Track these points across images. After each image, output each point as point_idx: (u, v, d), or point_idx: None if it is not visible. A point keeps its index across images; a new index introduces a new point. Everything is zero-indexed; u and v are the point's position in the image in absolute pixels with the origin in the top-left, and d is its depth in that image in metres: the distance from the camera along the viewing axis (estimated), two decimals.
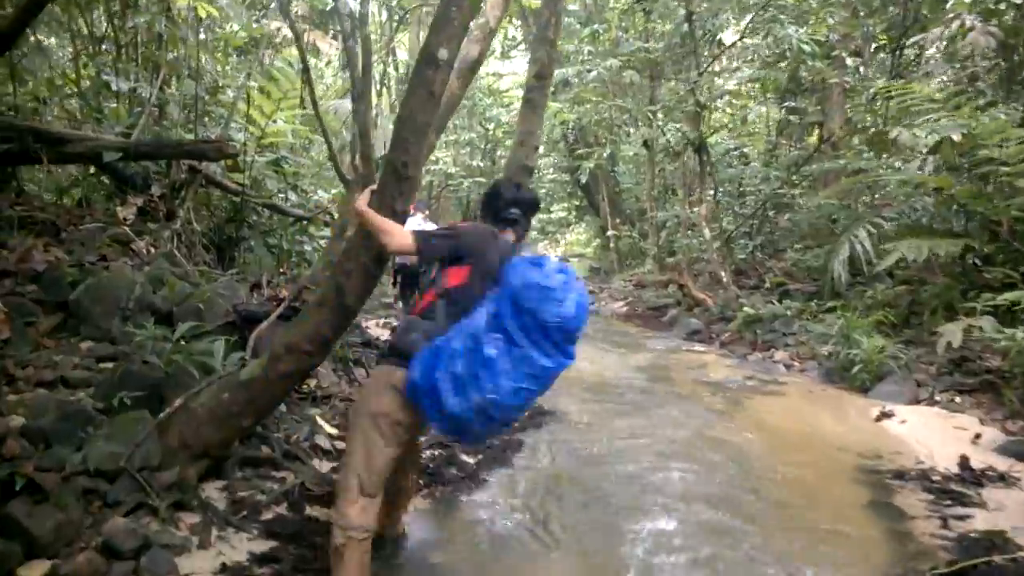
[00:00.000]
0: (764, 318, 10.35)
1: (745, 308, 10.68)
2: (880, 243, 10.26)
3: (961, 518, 4.16)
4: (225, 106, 8.33)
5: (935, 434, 5.85)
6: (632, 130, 21.52)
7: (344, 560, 2.78)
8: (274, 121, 7.30)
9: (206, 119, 8.04)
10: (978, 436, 5.66)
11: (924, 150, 10.25)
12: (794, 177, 14.17)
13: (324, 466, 4.37)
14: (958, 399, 7.04)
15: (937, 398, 7.09)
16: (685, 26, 12.71)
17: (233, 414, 3.41)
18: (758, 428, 6.09)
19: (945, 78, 11.42)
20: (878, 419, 6.47)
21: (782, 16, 11.62)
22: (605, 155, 19.29)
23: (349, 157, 16.00)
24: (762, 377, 8.29)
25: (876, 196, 11.79)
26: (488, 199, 3.17)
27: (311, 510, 3.74)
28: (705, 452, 5.28)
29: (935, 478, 4.81)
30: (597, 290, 17.79)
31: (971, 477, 4.71)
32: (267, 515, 3.62)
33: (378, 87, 17.70)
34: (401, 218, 3.10)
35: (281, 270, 7.85)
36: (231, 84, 9.00)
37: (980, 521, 4.11)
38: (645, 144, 17.17)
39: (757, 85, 14.98)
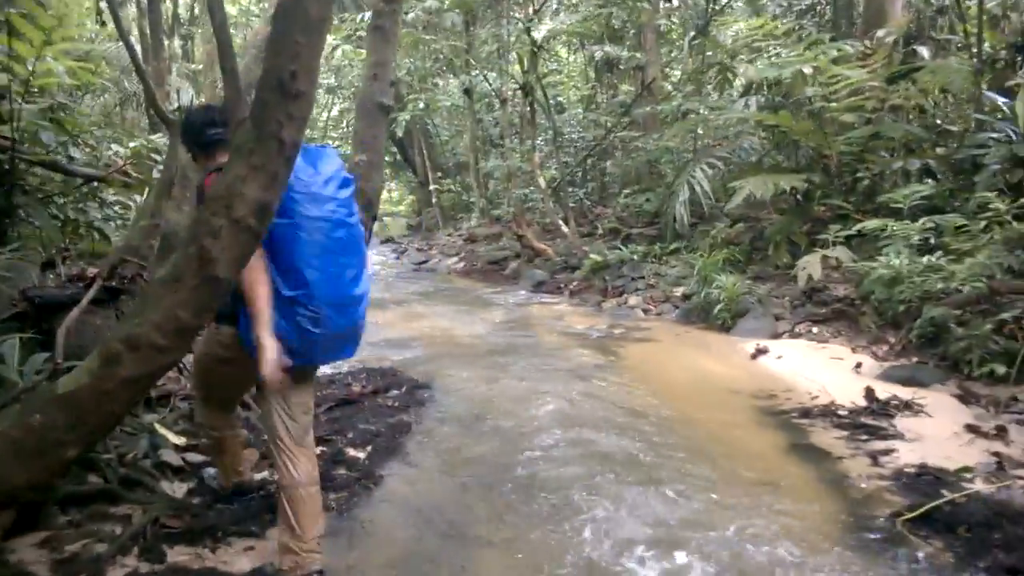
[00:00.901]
0: (611, 264, 10.22)
1: (591, 255, 10.49)
2: (718, 183, 10.43)
3: (885, 453, 4.03)
4: None
5: (816, 367, 5.84)
6: (450, 79, 20.86)
7: (295, 510, 2.68)
8: (44, 59, 5.88)
9: None
10: (859, 365, 5.70)
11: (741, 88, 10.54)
12: (619, 122, 14.16)
13: (179, 488, 3.46)
14: (815, 329, 7.17)
15: (798, 330, 7.20)
16: None
17: (50, 443, 2.46)
18: (644, 379, 5.80)
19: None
20: (754, 356, 6.40)
21: None
22: (421, 106, 18.49)
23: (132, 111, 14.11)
24: (624, 324, 8.09)
25: (704, 139, 11.98)
26: (185, 130, 2.96)
27: (176, 554, 2.85)
28: (604, 411, 4.87)
29: (841, 413, 4.71)
30: (425, 247, 17.10)
31: (879, 408, 4.63)
32: (115, 573, 2.70)
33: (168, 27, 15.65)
34: (292, 152, 2.30)
35: (65, 244, 6.49)
36: None
37: (906, 454, 4.00)
38: (466, 92, 16.56)
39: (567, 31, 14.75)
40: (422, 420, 4.67)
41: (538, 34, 11.75)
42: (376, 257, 16.12)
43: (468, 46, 17.03)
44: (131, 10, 13.35)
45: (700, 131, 11.38)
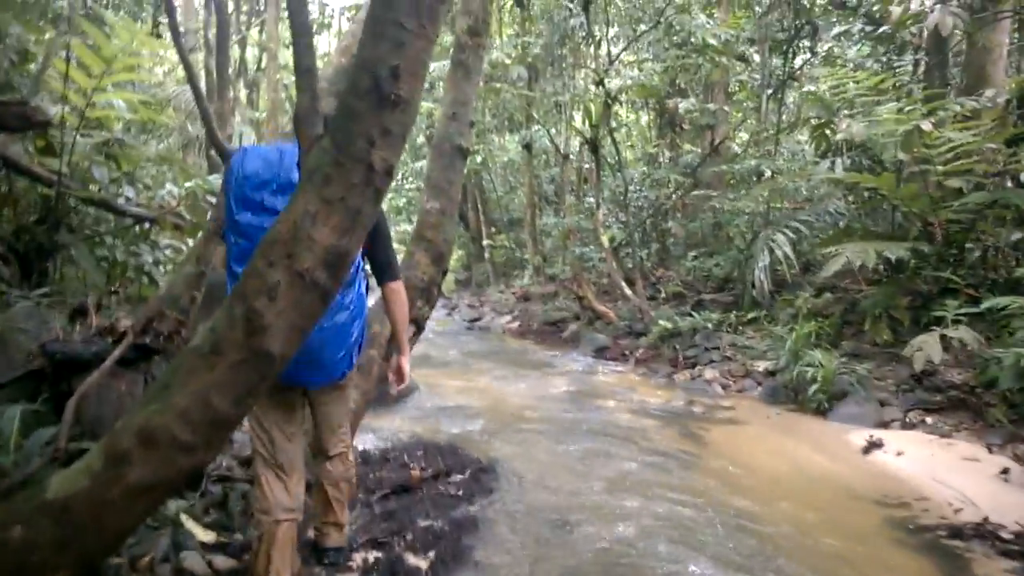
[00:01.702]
0: (683, 332, 9.42)
1: (660, 321, 9.71)
2: (799, 249, 9.64)
3: None
4: (30, 75, 6.37)
5: (947, 469, 4.95)
6: (507, 134, 20.53)
7: (263, 544, 2.58)
8: (104, 89, 5.45)
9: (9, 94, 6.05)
10: (1006, 471, 4.80)
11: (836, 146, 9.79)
12: (686, 182, 13.50)
13: None
14: (929, 419, 6.28)
15: (909, 419, 6.32)
16: (579, 16, 11.67)
17: (32, 567, 1.80)
18: (740, 473, 4.99)
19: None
20: (867, 450, 5.54)
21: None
22: (479, 160, 18.14)
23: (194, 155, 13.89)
24: (704, 401, 7.27)
25: (782, 201, 11.22)
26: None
27: None
28: (700, 518, 4.08)
29: (1004, 536, 3.84)
30: (477, 304, 16.48)
31: None
32: None
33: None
34: (384, 182, 1.65)
35: (113, 288, 5.95)
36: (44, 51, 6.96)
37: None
38: (526, 147, 16.12)
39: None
40: (490, 515, 3.92)
41: (612, 84, 11.21)
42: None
43: (529, 101, 16.69)
44: (199, 52, 13.22)
45: (779, 192, 10.62)
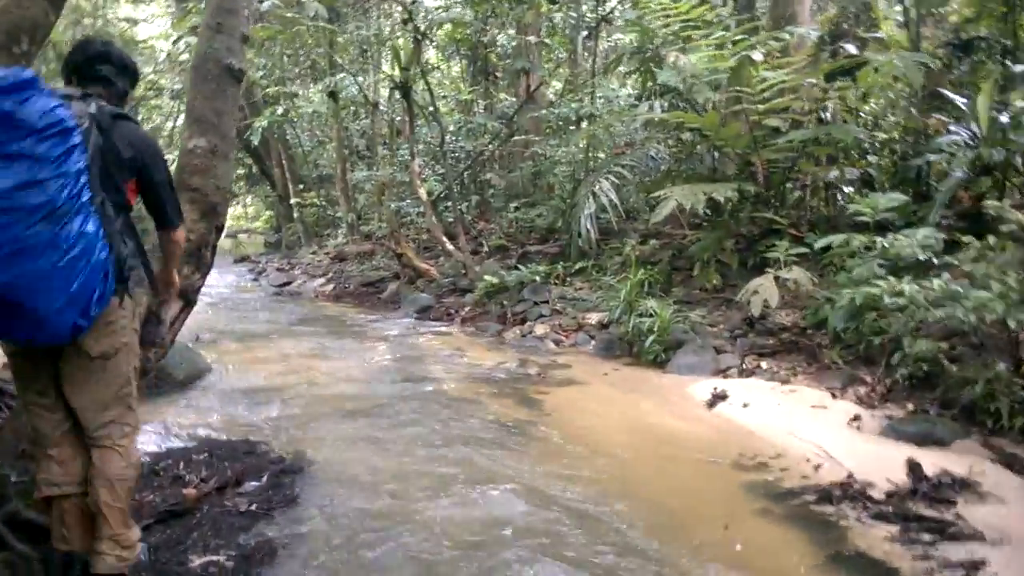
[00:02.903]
0: (509, 287, 8.84)
1: (486, 277, 9.08)
2: (624, 195, 9.32)
3: (974, 567, 2.83)
4: None
5: (798, 420, 4.67)
6: (311, 84, 18.95)
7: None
8: None
9: None
10: (856, 418, 4.57)
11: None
12: (503, 130, 12.88)
13: None
14: (764, 364, 6.10)
15: (746, 366, 6.09)
16: None
17: None
18: (584, 443, 4.45)
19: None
20: (712, 403, 5.20)
21: None
22: (279, 112, 16.56)
23: None
24: (537, 360, 6.71)
25: (604, 147, 10.87)
26: (72, 53, 2.51)
27: None
28: (544, 505, 3.48)
29: (875, 495, 3.51)
30: (287, 267, 15.13)
31: (930, 490, 3.45)
32: None
33: None
34: None
35: None
36: None
37: (1004, 568, 2.82)
38: (331, 95, 14.80)
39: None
40: (291, 537, 3.06)
41: (421, 21, 10.27)
42: (228, 278, 14.02)
43: (332, 44, 15.33)
44: None
45: (602, 137, 10.23)
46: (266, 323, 9.01)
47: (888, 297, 4.61)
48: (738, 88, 7.25)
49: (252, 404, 5.16)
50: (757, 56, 6.58)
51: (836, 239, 5.62)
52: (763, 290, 5.86)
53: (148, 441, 4.12)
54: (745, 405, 5.03)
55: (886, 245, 5.03)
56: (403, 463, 3.97)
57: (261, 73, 17.47)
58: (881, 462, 3.86)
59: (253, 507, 3.28)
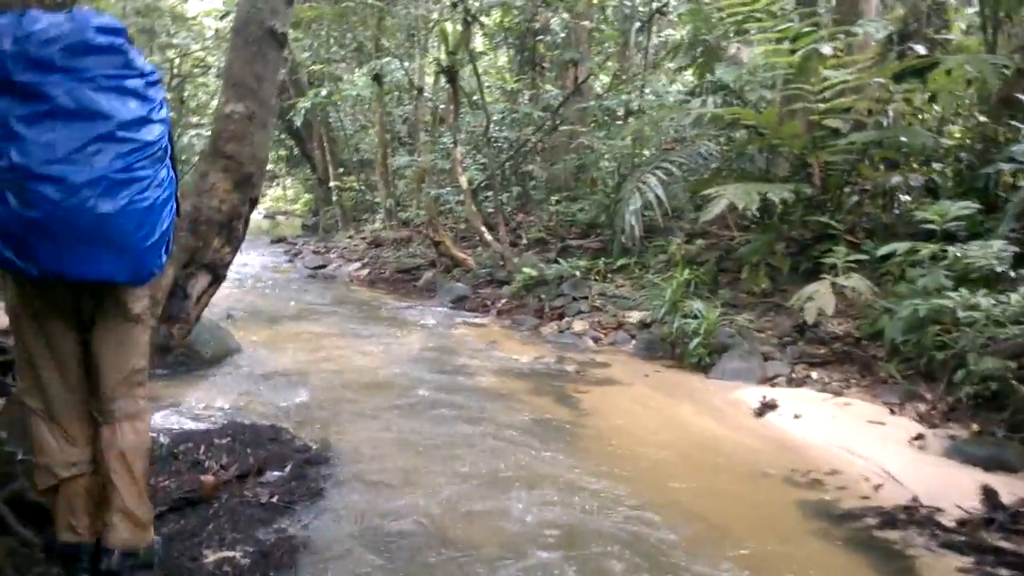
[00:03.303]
0: (549, 280, 8.61)
1: (524, 269, 8.87)
2: (674, 192, 9.03)
3: None
4: None
5: (854, 435, 4.39)
6: (355, 67, 18.87)
7: (54, 505, 2.22)
8: None
9: None
10: (919, 437, 4.28)
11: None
12: (548, 122, 12.62)
13: None
14: (815, 374, 5.81)
15: (795, 374, 5.81)
16: None
17: None
18: (626, 448, 4.23)
19: None
20: (760, 412, 4.93)
21: None
22: (323, 93, 16.48)
23: None
24: (575, 357, 6.49)
25: (652, 142, 10.58)
26: None
27: None
28: (593, 520, 3.26)
29: (945, 523, 3.23)
30: (323, 250, 15.06)
31: (1007, 520, 3.17)
32: None
33: None
34: None
35: None
36: None
37: None
38: (375, 78, 14.67)
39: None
40: (315, 535, 2.88)
41: (473, 2, 10.05)
42: (264, 259, 13.99)
43: (379, 27, 15.21)
44: None
45: (650, 132, 9.95)
46: (299, 305, 8.89)
47: (962, 311, 4.30)
48: (799, 86, 6.95)
49: (280, 388, 5.00)
50: (826, 50, 6.25)
51: (900, 247, 5.30)
52: (819, 296, 5.56)
53: (168, 421, 3.98)
54: (796, 416, 4.76)
55: (958, 255, 4.71)
56: (435, 460, 3.77)
57: (307, 54, 17.45)
58: (947, 486, 3.59)
59: (275, 499, 3.10)
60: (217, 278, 2.97)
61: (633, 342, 7.05)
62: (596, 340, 7.23)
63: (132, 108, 2.03)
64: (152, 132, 2.07)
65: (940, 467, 3.86)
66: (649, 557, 2.87)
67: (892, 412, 4.75)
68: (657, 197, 8.27)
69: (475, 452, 3.91)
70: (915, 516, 3.28)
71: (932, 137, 6.92)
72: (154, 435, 3.64)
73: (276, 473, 3.33)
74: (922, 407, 4.83)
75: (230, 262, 3.03)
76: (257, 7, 3.25)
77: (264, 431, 3.85)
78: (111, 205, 1.97)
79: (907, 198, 7.49)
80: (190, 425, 3.92)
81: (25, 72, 1.95)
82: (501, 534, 2.97)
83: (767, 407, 4.95)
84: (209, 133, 3.48)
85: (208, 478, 3.05)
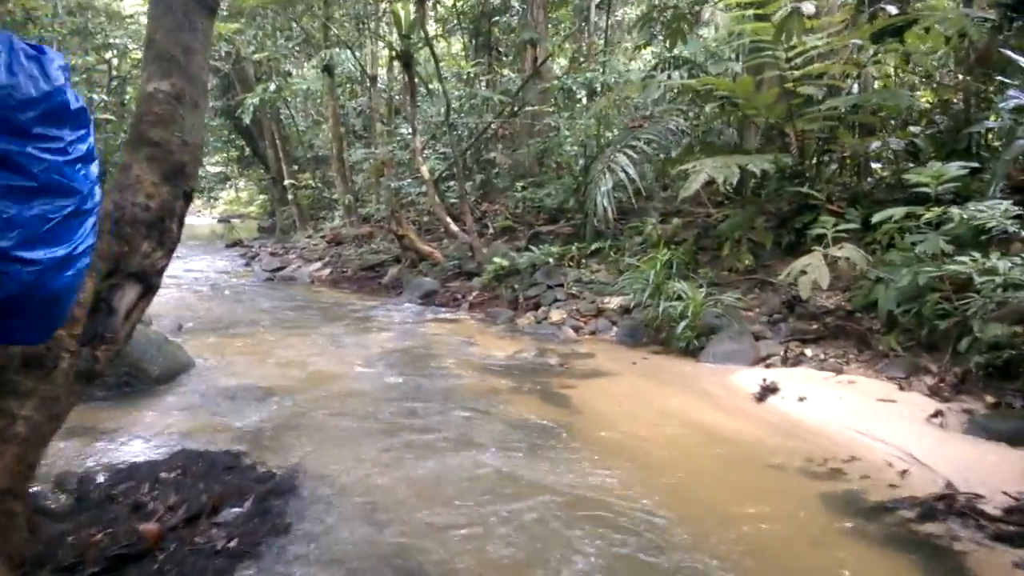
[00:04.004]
0: (521, 269, 8.24)
1: (495, 259, 8.48)
2: (644, 171, 8.71)
3: None
4: None
5: (865, 415, 4.10)
6: (304, 61, 18.25)
7: None
8: None
9: None
10: (938, 414, 3.99)
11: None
12: (508, 107, 12.20)
13: None
14: (809, 351, 5.54)
15: (789, 353, 5.52)
16: None
17: None
18: (625, 447, 3.87)
19: None
20: (761, 397, 4.62)
21: None
22: (272, 89, 15.86)
23: None
24: (556, 349, 6.14)
25: (616, 119, 10.24)
26: None
27: None
28: (600, 534, 2.91)
29: (988, 510, 2.93)
30: (281, 251, 14.49)
31: None
32: None
33: None
34: None
35: None
36: None
37: None
38: (326, 70, 14.12)
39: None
40: None
41: None
42: (219, 264, 13.39)
43: (327, 15, 14.63)
44: None
45: (614, 111, 9.61)
46: (258, 311, 8.39)
47: (978, 275, 4.02)
48: (771, 52, 6.65)
49: (239, 406, 4.50)
50: (808, 8, 5.93)
51: (896, 212, 5.01)
52: (811, 270, 5.26)
53: (107, 456, 3.50)
54: (801, 399, 4.46)
55: (964, 217, 4.42)
56: (414, 479, 3.37)
57: (252, 47, 16.76)
58: (979, 467, 3.31)
59: (232, 543, 2.66)
60: (149, 288, 2.53)
61: (615, 329, 6.72)
62: (576, 329, 6.88)
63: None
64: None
65: (965, 445, 3.57)
66: (672, 570, 2.52)
67: (900, 388, 4.48)
68: (628, 176, 7.94)
69: (460, 465, 3.51)
70: (954, 506, 2.98)
71: (911, 98, 6.67)
72: (91, 472, 3.20)
73: (235, 510, 2.89)
74: (929, 380, 4.56)
75: (164, 268, 2.59)
76: None
77: (220, 459, 3.39)
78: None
79: (878, 164, 7.27)
80: (132, 458, 3.44)
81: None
82: (496, 565, 2.60)
83: (768, 391, 4.64)
84: None
85: (150, 526, 2.58)
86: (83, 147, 1.79)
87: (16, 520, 2.20)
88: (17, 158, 1.64)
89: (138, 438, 3.80)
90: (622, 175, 7.97)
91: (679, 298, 6.16)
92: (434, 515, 2.96)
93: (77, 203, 1.77)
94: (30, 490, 2.43)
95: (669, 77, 8.46)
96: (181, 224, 2.60)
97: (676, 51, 8.64)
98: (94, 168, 1.84)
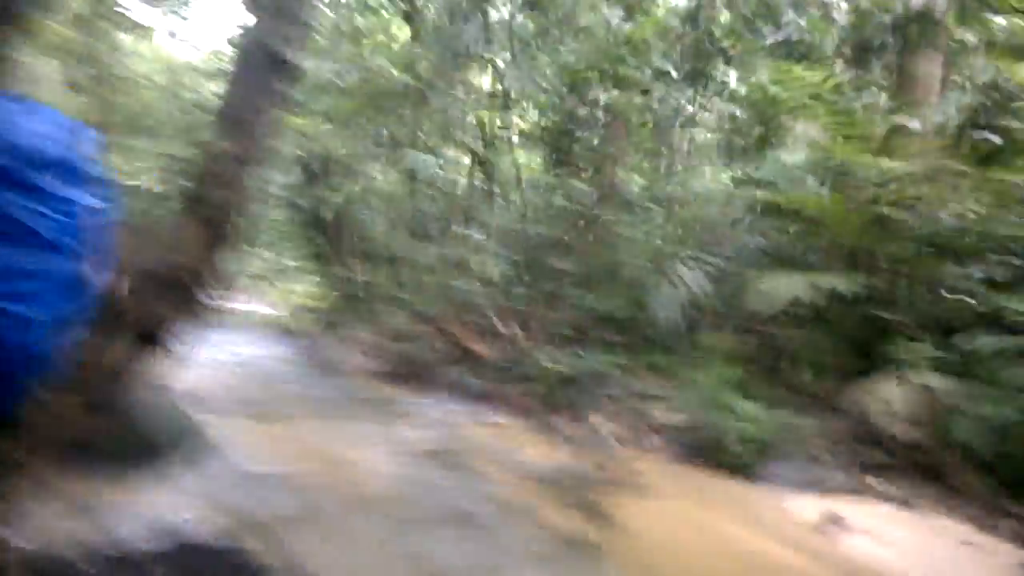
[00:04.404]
0: (576, 376, 7.86)
1: (547, 364, 8.14)
2: (715, 285, 8.36)
3: None
4: None
5: (945, 561, 3.53)
6: (387, 167, 18.80)
7: None
8: None
9: None
10: None
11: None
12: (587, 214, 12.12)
13: None
14: (876, 483, 4.95)
15: (854, 484, 4.95)
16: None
17: None
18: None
19: None
20: (823, 529, 4.07)
21: None
22: (357, 188, 16.33)
23: None
24: (604, 462, 5.65)
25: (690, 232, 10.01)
26: None
27: None
28: None
29: None
30: (336, 343, 14.45)
31: None
32: None
33: None
34: None
35: None
36: None
37: None
38: (410, 174, 14.46)
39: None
40: None
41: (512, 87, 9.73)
42: (274, 350, 13.41)
43: (416, 121, 15.08)
44: None
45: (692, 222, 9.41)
46: (297, 397, 8.15)
47: None
48: (861, 174, 6.37)
49: (254, 491, 4.09)
50: (915, 125, 5.63)
51: (987, 341, 4.52)
52: (887, 395, 4.76)
53: (93, 539, 3.15)
54: (869, 534, 3.89)
55: None
56: None
57: (342, 147, 17.34)
58: None
59: None
60: (153, 342, 2.32)
61: (668, 445, 6.21)
62: (627, 442, 6.40)
63: None
64: None
65: None
66: None
67: (979, 530, 3.87)
68: (698, 289, 7.61)
69: None
70: None
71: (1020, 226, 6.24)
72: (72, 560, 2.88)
73: None
74: (1015, 525, 3.95)
75: (175, 329, 2.40)
76: (266, 31, 2.74)
77: (226, 559, 3.03)
78: None
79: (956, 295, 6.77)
80: (129, 545, 3.09)
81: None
82: None
83: (831, 522, 4.09)
84: None
85: None
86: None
87: None
88: None
89: (140, 522, 3.45)
90: (691, 288, 7.65)
91: (739, 417, 5.67)
92: None
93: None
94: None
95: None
96: (208, 288, 2.44)
97: (755, 173, 8.47)
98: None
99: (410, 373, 10.34)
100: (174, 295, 2.42)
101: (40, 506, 3.09)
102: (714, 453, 5.73)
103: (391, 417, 7.27)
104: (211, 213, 2.51)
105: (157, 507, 3.69)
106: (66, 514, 3.32)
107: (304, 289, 31.41)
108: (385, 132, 16.56)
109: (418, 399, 8.66)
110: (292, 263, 26.52)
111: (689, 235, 10.02)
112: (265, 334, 17.74)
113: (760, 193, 8.14)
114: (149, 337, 2.30)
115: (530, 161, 18.48)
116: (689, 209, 9.05)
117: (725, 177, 12.04)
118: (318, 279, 28.41)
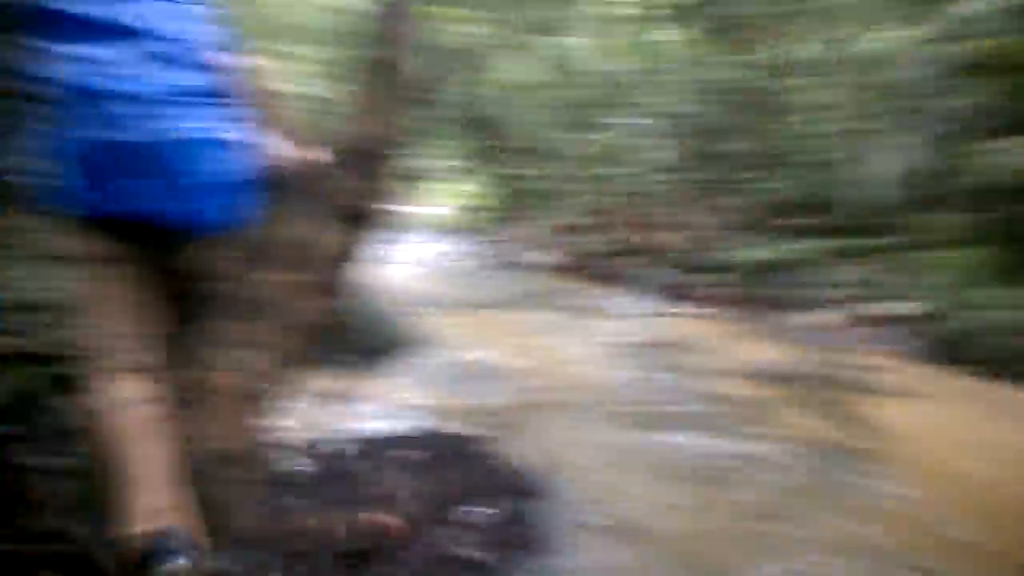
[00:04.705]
0: (779, 264, 7.24)
1: (744, 252, 7.54)
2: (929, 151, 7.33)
3: None
4: None
5: None
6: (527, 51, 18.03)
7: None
8: None
9: None
10: None
11: None
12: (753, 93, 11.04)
13: None
14: None
15: None
16: None
17: None
18: (976, 498, 2.90)
19: None
20: None
21: None
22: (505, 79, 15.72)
23: None
24: (832, 359, 5.12)
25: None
26: None
27: None
28: None
29: None
30: (508, 238, 14.35)
31: None
32: None
33: None
34: None
35: None
36: None
37: None
38: (559, 60, 13.70)
39: None
40: None
41: None
42: (450, 248, 13.50)
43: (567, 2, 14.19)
44: None
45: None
46: (483, 294, 8.04)
47: None
48: None
49: (470, 384, 4.09)
50: None
51: None
52: None
53: (348, 425, 3.13)
54: None
55: None
56: (696, 504, 2.67)
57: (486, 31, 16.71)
58: None
59: (486, 555, 2.10)
60: (361, 220, 2.08)
61: (904, 340, 5.57)
62: (854, 337, 5.81)
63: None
64: None
65: None
66: None
67: None
68: (910, 162, 6.69)
69: (740, 484, 2.77)
70: None
71: None
72: (329, 444, 2.81)
73: (484, 509, 2.34)
74: None
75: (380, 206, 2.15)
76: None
77: (455, 445, 2.90)
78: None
79: None
80: (376, 431, 3.04)
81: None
82: None
83: None
84: None
85: (394, 521, 2.08)
86: None
87: (242, 491, 1.81)
88: None
89: (379, 410, 3.45)
90: (901, 161, 6.73)
91: (993, 307, 4.94)
92: (718, 553, 2.24)
93: None
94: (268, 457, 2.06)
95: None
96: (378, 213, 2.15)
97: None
98: None
99: (591, 266, 10.05)
100: (376, 169, 2.14)
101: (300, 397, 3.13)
102: (966, 349, 5.05)
103: (584, 311, 7.02)
104: (391, 74, 2.17)
105: (394, 398, 3.75)
106: (316, 402, 3.35)
107: (473, 188, 31.66)
108: (531, 17, 15.76)
109: (602, 291, 8.39)
110: (458, 162, 26.67)
111: (884, 103, 8.86)
112: (439, 233, 18.03)
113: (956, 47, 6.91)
114: (358, 219, 2.03)
115: (689, 36, 17.19)
116: (880, 73, 7.90)
117: (906, 34, 10.56)
118: (486, 177, 28.48)
